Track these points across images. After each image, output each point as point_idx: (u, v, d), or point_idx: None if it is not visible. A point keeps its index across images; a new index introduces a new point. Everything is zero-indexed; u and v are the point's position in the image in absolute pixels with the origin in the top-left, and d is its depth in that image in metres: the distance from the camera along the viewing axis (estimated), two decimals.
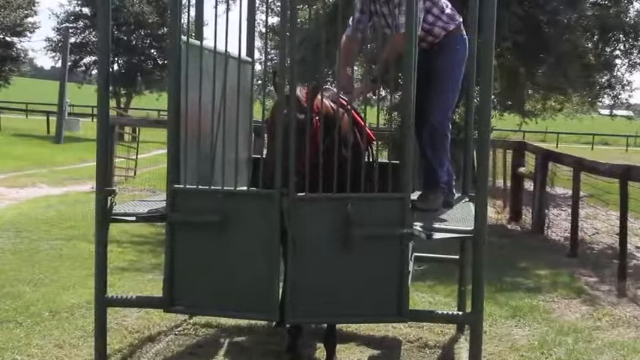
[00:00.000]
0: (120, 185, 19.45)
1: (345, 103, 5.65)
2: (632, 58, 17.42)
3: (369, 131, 5.90)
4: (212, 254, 5.15)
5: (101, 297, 5.46)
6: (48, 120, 45.42)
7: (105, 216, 5.35)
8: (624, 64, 17.77)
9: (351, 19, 6.26)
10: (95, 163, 5.50)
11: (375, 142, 6.05)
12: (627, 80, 18.23)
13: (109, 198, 5.36)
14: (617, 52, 17.76)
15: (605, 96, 18.89)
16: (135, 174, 22.99)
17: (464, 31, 6.29)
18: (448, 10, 6.21)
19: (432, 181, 6.18)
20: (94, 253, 5.47)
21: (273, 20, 18.95)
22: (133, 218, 5.41)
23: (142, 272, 9.43)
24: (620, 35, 17.15)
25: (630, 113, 22.46)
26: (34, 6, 49.08)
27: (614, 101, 19.00)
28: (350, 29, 6.27)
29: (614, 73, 18.05)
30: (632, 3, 17.15)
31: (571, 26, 15.64)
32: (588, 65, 16.60)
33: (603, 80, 18.30)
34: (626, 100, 18.70)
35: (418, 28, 5.89)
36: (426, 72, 5.94)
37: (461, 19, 6.27)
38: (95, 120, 5.66)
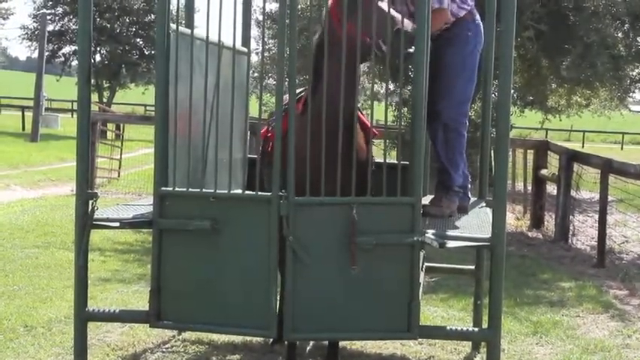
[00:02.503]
0: (102, 188, 19.48)
1: None
2: None
3: (365, 120, 5.90)
4: (203, 264, 5.15)
5: (81, 311, 5.46)
6: (23, 116, 45.53)
7: (86, 222, 5.35)
8: None
9: None
10: (75, 164, 5.50)
11: (374, 139, 5.99)
12: None
13: (91, 202, 5.36)
14: None
15: (637, 90, 18.86)
16: (119, 175, 23.04)
17: (477, 16, 6.28)
18: None
19: (445, 185, 6.17)
20: (74, 263, 5.47)
21: (271, 7, 18.93)
22: (117, 224, 5.41)
23: (127, 283, 9.44)
24: None
25: None
26: None
27: None
28: None
29: None
30: None
31: (599, 13, 15.60)
32: (618, 57, 16.55)
33: (634, 73, 18.26)
34: None
35: (445, 3, 5.92)
36: (435, 63, 5.89)
37: (473, 3, 6.26)
38: (75, 116, 5.65)
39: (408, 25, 5.23)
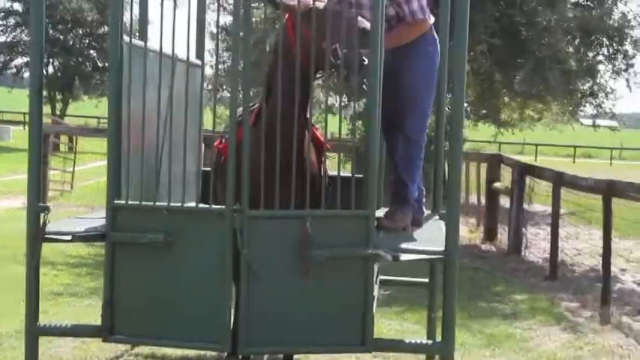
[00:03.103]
0: (55, 201, 19.33)
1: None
2: (617, 63, 17.57)
3: (319, 135, 5.91)
4: (156, 277, 5.11)
5: (32, 325, 5.38)
6: None
7: (37, 235, 5.29)
8: (608, 71, 17.92)
9: None
10: (27, 176, 5.44)
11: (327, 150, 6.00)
12: (611, 88, 18.35)
13: (42, 215, 5.30)
14: (600, 58, 17.92)
15: (588, 104, 19.01)
16: (71, 188, 22.88)
17: (434, 31, 6.31)
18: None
19: (401, 197, 6.17)
20: (25, 277, 5.40)
21: (225, 19, 18.93)
22: (69, 237, 5.35)
23: (79, 297, 9.37)
24: (604, 39, 17.32)
25: (614, 123, 22.60)
26: None
27: (597, 110, 19.12)
28: None
29: (597, 80, 18.18)
30: (616, 4, 17.31)
31: (551, 29, 15.77)
32: (569, 71, 16.74)
33: (585, 87, 18.44)
34: (610, 109, 18.83)
35: (427, 14, 5.94)
36: (395, 76, 5.93)
37: (433, 19, 6.28)
38: (27, 128, 5.60)
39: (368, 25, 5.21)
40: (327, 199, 5.21)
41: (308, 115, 5.56)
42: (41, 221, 5.28)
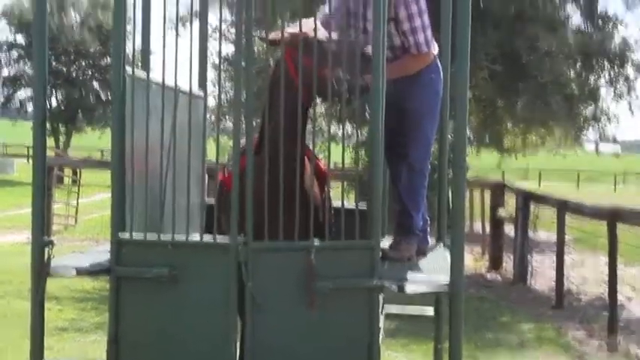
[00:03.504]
0: (59, 235, 19.31)
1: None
2: (618, 87, 17.62)
3: (321, 166, 5.91)
4: (162, 312, 5.08)
5: None
6: None
7: (42, 270, 5.26)
8: (609, 95, 17.98)
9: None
10: (31, 210, 5.42)
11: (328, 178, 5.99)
12: (613, 112, 18.41)
13: (47, 249, 5.27)
14: (602, 82, 17.96)
15: (590, 129, 19.06)
16: (76, 221, 22.87)
17: (437, 59, 6.31)
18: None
19: (406, 227, 6.15)
20: (30, 312, 5.38)
21: (228, 50, 18.96)
22: (74, 272, 5.32)
23: (84, 332, 9.34)
24: (605, 63, 17.36)
25: (617, 148, 22.65)
26: None
27: (600, 135, 19.15)
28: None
29: (599, 104, 18.23)
30: (616, 28, 17.36)
31: (552, 53, 15.82)
32: (571, 95, 16.79)
33: (587, 112, 18.49)
34: (613, 134, 18.88)
35: (432, 47, 5.96)
36: (399, 105, 5.93)
37: (437, 49, 6.29)
38: (31, 161, 5.60)
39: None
40: (331, 229, 5.19)
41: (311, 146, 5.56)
42: (46, 256, 5.26)
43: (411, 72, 5.87)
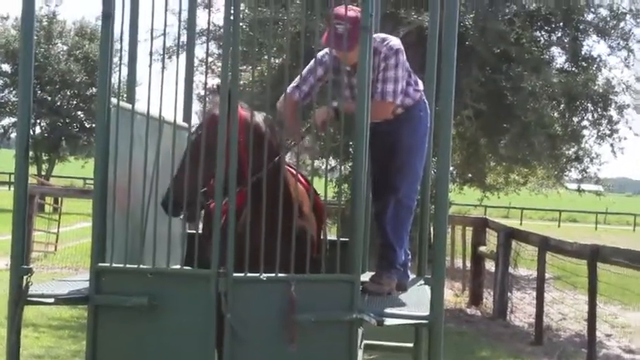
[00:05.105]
0: (38, 262, 19.21)
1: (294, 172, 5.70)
2: (601, 129, 17.66)
3: (319, 202, 5.94)
4: (140, 341, 5.06)
5: None
6: None
7: (19, 297, 5.23)
8: (592, 136, 18.02)
9: (299, 76, 6.17)
10: (11, 238, 5.40)
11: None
12: (596, 153, 18.45)
13: (25, 277, 5.25)
14: (585, 123, 18.03)
15: (573, 169, 19.10)
16: (56, 249, 22.73)
17: (424, 97, 6.36)
18: (413, 77, 6.29)
19: (387, 261, 6.17)
20: (6, 339, 5.34)
21: (214, 82, 18.97)
22: (52, 300, 5.30)
23: None
24: (589, 105, 17.44)
25: (600, 188, 22.70)
26: None
27: (582, 175, 19.18)
28: (291, 88, 6.24)
29: (582, 145, 18.29)
30: (600, 70, 17.46)
31: (536, 94, 15.89)
32: (554, 136, 16.85)
33: (570, 152, 18.55)
34: (595, 174, 18.91)
35: (397, 99, 5.99)
36: (391, 142, 6.07)
37: (422, 86, 6.34)
38: (12, 188, 5.59)
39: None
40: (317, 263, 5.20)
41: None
42: (24, 283, 5.24)
43: (372, 119, 5.87)
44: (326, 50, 6.04)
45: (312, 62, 6.09)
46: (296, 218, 5.36)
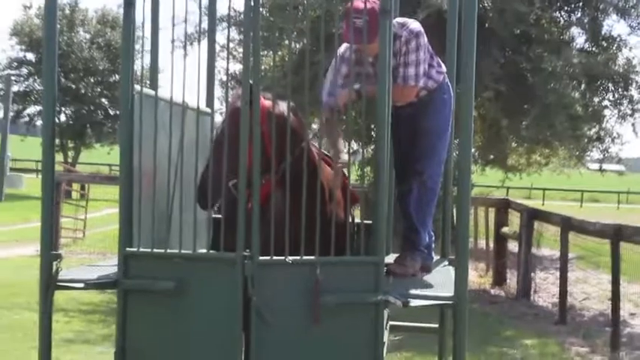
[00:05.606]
0: (67, 248, 19.33)
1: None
2: (622, 109, 17.56)
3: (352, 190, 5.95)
4: (168, 324, 5.09)
5: None
6: None
7: (50, 282, 5.27)
8: (614, 116, 17.90)
9: (328, 81, 6.19)
10: (40, 224, 5.43)
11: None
12: (617, 133, 18.34)
13: (55, 263, 5.29)
14: (606, 103, 17.93)
15: (594, 149, 19.00)
16: (84, 235, 22.88)
17: (447, 79, 6.35)
18: (435, 59, 6.27)
19: (411, 243, 6.17)
20: (38, 324, 5.39)
21: (235, 67, 19.00)
22: (82, 285, 5.34)
23: (91, 344, 9.34)
24: (609, 84, 17.34)
25: (621, 167, 22.59)
26: None
27: (604, 155, 19.05)
28: (325, 97, 6.21)
29: (603, 125, 18.18)
30: (620, 50, 17.35)
31: (556, 74, 15.80)
32: (575, 116, 16.75)
33: (592, 132, 18.44)
34: (617, 153, 18.80)
35: (420, 82, 5.98)
36: (415, 125, 6.07)
37: (444, 68, 6.32)
38: (40, 176, 5.62)
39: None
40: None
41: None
42: (54, 269, 5.28)
43: (395, 103, 5.85)
44: (346, 45, 6.04)
45: (334, 62, 6.11)
46: (328, 203, 5.39)
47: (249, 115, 5.03)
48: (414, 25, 6.02)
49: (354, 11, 5.56)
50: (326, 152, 5.88)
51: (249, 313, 4.97)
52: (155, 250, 5.16)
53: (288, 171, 5.14)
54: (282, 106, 5.48)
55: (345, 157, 5.66)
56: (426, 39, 6.02)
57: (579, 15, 17.35)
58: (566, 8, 17.37)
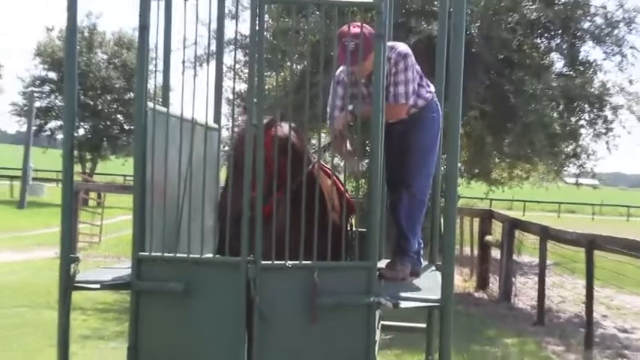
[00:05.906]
0: (84, 252, 19.32)
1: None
2: (597, 127, 17.60)
3: (348, 198, 5.96)
4: (177, 323, 5.09)
5: None
6: (12, 185, 45.15)
7: (68, 283, 5.28)
8: (589, 134, 17.94)
9: (328, 108, 6.24)
10: (59, 229, 5.44)
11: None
12: (592, 150, 18.40)
13: (73, 265, 5.29)
14: (582, 122, 17.97)
15: (571, 165, 19.04)
16: (99, 240, 22.86)
17: (436, 98, 6.35)
18: (425, 79, 6.28)
19: (401, 250, 6.18)
20: (57, 321, 5.39)
21: (241, 87, 19.02)
22: (97, 286, 5.34)
23: (106, 340, 9.33)
24: (585, 105, 17.38)
25: (596, 182, 22.61)
26: None
27: (580, 170, 19.10)
28: (329, 119, 6.25)
29: (580, 143, 18.23)
30: (596, 74, 17.40)
31: (537, 96, 15.86)
32: (554, 135, 16.79)
33: (569, 149, 18.48)
34: (591, 169, 18.87)
35: (410, 99, 5.98)
36: (405, 141, 6.07)
37: (433, 88, 6.33)
38: (60, 185, 5.62)
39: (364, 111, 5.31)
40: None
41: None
42: (72, 271, 5.28)
43: (387, 120, 5.85)
44: (341, 68, 6.06)
45: (332, 85, 6.13)
46: (330, 212, 5.40)
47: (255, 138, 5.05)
48: (402, 47, 6.04)
49: (343, 35, 5.51)
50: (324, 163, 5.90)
51: (252, 312, 4.98)
52: (165, 255, 5.17)
53: (289, 187, 5.15)
54: (284, 128, 5.47)
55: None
56: (413, 59, 6.03)
57: (558, 41, 17.39)
58: (546, 35, 17.41)
